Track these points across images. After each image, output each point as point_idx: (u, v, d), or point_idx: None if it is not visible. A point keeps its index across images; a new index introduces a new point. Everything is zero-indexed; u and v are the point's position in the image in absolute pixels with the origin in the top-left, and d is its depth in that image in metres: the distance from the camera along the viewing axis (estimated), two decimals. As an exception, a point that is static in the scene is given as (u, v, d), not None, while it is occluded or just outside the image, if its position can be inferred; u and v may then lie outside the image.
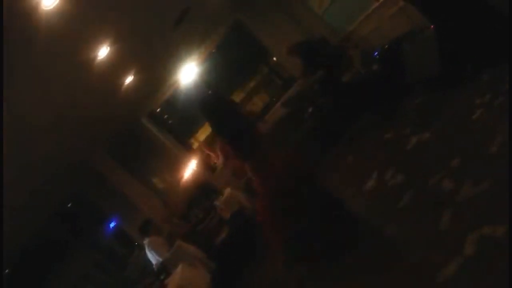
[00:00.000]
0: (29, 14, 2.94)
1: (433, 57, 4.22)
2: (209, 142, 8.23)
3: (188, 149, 8.29)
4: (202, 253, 5.31)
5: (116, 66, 4.92)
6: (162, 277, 4.96)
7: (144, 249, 6.06)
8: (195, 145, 8.66)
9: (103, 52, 4.33)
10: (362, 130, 5.37)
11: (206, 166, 7.68)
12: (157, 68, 6.82)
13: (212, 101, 3.32)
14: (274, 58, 8.68)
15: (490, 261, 1.92)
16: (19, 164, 4.65)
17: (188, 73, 8.06)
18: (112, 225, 9.50)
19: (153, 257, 5.38)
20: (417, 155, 3.52)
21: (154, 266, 5.40)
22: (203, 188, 7.16)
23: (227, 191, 6.38)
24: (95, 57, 4.30)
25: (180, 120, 9.15)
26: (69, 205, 8.89)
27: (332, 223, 2.84)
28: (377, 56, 5.61)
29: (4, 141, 3.69)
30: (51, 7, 3.03)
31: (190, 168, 5.64)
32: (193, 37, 7.00)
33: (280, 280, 3.70)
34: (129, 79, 5.71)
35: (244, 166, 2.92)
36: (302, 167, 3.03)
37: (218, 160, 3.42)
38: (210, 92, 8.04)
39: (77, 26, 3.59)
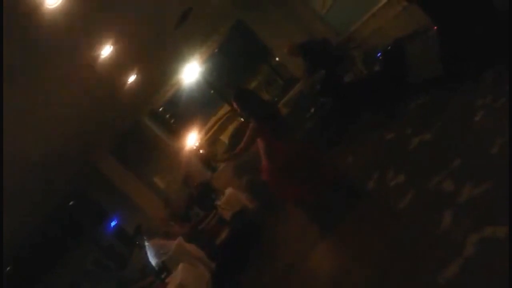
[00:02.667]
0: (33, 13, 2.94)
1: (435, 58, 4.22)
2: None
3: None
4: (202, 253, 5.31)
5: (119, 65, 4.93)
6: (162, 276, 4.96)
7: (144, 248, 6.07)
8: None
9: (107, 50, 4.33)
10: (364, 130, 5.37)
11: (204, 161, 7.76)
12: (160, 67, 6.83)
13: (246, 92, 4.15)
14: (277, 58, 8.68)
15: (490, 262, 1.92)
16: (21, 162, 4.67)
17: (190, 72, 8.07)
18: (113, 224, 9.51)
19: (155, 259, 5.37)
20: (419, 156, 3.52)
21: (155, 266, 5.39)
22: (204, 187, 7.15)
23: (228, 191, 6.38)
24: (99, 55, 4.30)
25: (182, 119, 9.15)
26: (70, 203, 8.91)
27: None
28: (380, 57, 5.60)
29: (5, 139, 3.70)
30: (55, 5, 3.03)
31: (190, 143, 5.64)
32: (196, 37, 7.01)
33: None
34: (131, 78, 5.72)
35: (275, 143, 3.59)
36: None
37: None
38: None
39: (80, 25, 3.60)
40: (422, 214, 2.76)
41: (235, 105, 3.86)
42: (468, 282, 1.95)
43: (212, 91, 8.78)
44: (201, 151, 8.39)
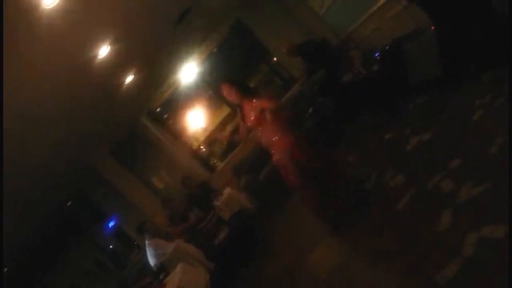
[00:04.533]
0: (30, 13, 2.93)
1: (434, 58, 4.22)
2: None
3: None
4: (201, 253, 5.31)
5: (117, 65, 4.92)
6: (161, 276, 4.96)
7: (143, 249, 6.06)
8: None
9: (104, 51, 4.32)
10: (363, 131, 5.37)
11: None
12: (158, 67, 6.81)
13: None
14: (275, 58, 8.68)
15: (489, 262, 1.92)
16: (20, 163, 4.65)
17: (189, 72, 8.06)
18: (111, 224, 9.51)
19: (153, 259, 5.35)
20: (417, 156, 3.52)
21: (153, 266, 5.38)
22: (203, 188, 7.15)
23: (227, 191, 6.37)
24: (96, 56, 4.29)
25: (180, 119, 9.14)
26: (69, 203, 8.89)
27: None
28: (378, 57, 5.60)
29: (4, 140, 3.69)
30: (52, 5, 3.02)
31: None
32: (194, 37, 7.00)
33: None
34: (129, 78, 5.71)
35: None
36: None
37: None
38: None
39: (78, 25, 3.59)
40: (421, 214, 2.76)
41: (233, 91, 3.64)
42: (467, 282, 1.94)
43: (210, 91, 8.77)
44: (203, 148, 8.42)
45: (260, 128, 3.58)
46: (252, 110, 3.55)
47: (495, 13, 3.51)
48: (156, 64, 6.59)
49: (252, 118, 3.55)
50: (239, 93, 3.61)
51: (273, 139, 3.53)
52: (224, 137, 7.26)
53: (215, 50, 8.41)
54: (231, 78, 3.83)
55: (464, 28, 3.70)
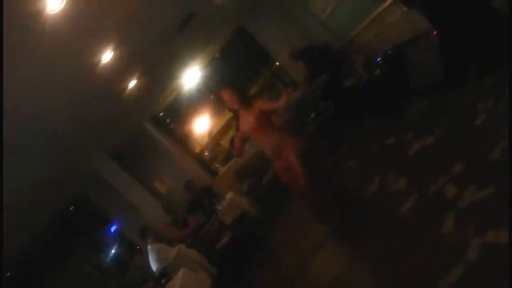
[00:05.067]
0: (35, 18, 2.96)
1: (436, 62, 4.22)
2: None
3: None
4: (203, 258, 5.29)
5: (120, 70, 4.94)
6: (163, 281, 4.95)
7: (145, 253, 6.05)
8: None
9: (107, 56, 4.35)
10: (365, 135, 5.36)
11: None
12: (160, 72, 6.84)
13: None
14: (277, 63, 8.70)
15: (493, 267, 1.91)
16: (22, 166, 4.67)
17: (192, 77, 8.09)
18: (113, 228, 9.50)
19: (155, 264, 5.35)
20: (420, 160, 3.51)
21: (155, 271, 5.38)
22: (205, 192, 7.15)
23: (229, 195, 6.37)
24: (99, 61, 4.32)
25: (182, 124, 9.17)
26: (71, 208, 8.89)
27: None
28: (380, 61, 5.61)
29: (5, 144, 3.70)
30: (57, 11, 3.05)
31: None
32: (197, 42, 7.03)
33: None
34: (132, 83, 5.73)
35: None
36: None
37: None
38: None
39: (82, 30, 3.61)
40: (424, 218, 2.75)
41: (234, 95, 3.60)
42: (471, 286, 1.93)
43: (212, 96, 8.80)
44: (206, 153, 8.44)
45: (257, 134, 3.54)
46: (249, 115, 3.51)
47: (497, 14, 3.52)
48: (159, 69, 6.62)
49: (249, 124, 3.49)
50: (238, 99, 3.57)
51: (273, 145, 3.51)
52: (223, 149, 7.32)
53: (217, 55, 8.45)
54: (231, 84, 3.80)
55: (466, 30, 3.70)
